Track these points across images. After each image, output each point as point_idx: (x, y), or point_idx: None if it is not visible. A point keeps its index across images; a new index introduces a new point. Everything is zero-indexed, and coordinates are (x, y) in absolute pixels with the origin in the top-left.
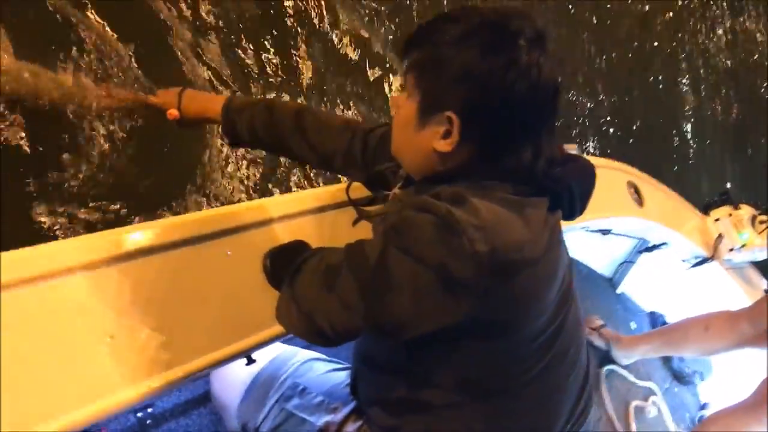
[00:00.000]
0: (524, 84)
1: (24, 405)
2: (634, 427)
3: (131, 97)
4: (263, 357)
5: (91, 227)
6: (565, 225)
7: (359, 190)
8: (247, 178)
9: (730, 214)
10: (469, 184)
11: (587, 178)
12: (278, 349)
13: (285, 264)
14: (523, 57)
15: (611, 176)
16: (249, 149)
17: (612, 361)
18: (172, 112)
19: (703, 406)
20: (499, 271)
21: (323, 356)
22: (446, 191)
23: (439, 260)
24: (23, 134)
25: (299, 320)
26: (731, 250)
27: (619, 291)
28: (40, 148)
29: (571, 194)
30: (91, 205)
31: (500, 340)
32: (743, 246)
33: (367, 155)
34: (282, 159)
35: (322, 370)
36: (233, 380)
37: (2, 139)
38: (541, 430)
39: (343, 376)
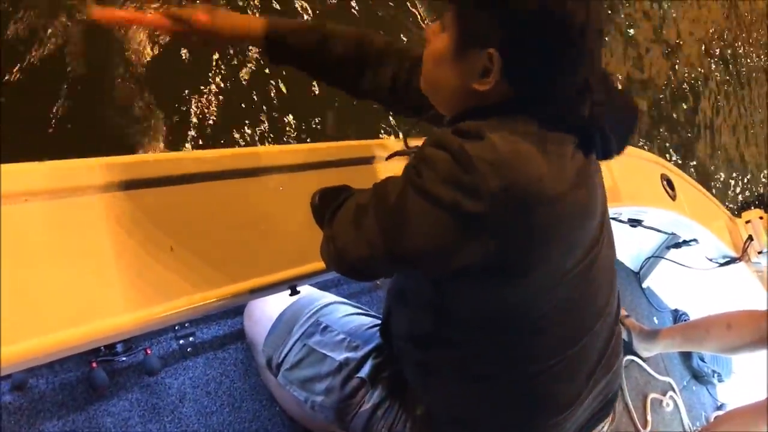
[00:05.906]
0: (574, 25)
1: (94, 299)
2: (650, 417)
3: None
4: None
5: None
6: None
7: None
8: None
9: (761, 217)
10: (495, 119)
11: (627, 118)
12: (305, 290)
13: (328, 203)
14: None
15: (646, 168)
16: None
17: (633, 353)
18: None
19: (719, 407)
20: (515, 205)
21: (347, 301)
22: (467, 126)
23: (453, 198)
24: None
25: (336, 256)
26: (760, 252)
27: (644, 285)
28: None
29: (604, 135)
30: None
31: (522, 279)
32: None
33: (410, 91)
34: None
35: (346, 312)
36: (261, 317)
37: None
38: (569, 371)
39: (365, 320)
